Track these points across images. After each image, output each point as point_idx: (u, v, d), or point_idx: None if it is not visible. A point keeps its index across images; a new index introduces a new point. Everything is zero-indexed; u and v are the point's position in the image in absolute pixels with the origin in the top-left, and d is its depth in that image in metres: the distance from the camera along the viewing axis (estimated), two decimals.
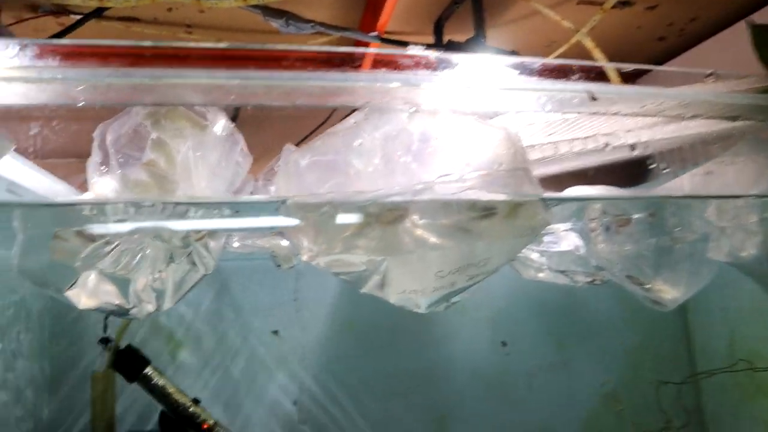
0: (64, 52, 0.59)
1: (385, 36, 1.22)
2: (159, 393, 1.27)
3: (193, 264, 0.75)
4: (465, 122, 0.67)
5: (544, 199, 0.67)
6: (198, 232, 0.75)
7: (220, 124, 0.71)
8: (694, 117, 0.75)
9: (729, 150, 0.83)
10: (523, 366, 1.70)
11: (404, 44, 1.27)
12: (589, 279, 1.11)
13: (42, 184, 0.75)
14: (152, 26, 1.23)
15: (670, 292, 0.93)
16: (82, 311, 0.75)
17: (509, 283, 1.61)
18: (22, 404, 1.24)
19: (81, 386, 1.39)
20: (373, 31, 1.19)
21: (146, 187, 0.67)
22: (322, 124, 1.18)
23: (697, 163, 0.83)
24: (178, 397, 1.28)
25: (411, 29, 1.32)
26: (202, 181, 0.68)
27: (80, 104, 0.59)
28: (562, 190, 0.80)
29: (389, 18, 1.17)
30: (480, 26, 1.17)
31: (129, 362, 1.27)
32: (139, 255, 0.74)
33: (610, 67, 0.83)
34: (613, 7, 1.19)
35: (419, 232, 0.67)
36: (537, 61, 0.71)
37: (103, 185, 0.69)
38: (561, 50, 1.28)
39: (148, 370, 1.27)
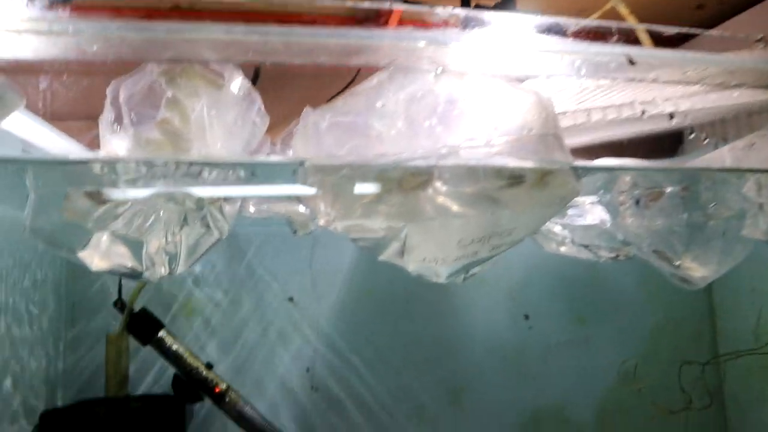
0: (75, 6, 0.57)
1: None
2: (172, 356, 1.27)
3: (208, 227, 0.74)
4: (494, 85, 0.63)
5: (575, 168, 0.64)
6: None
7: (237, 83, 0.68)
8: (738, 86, 0.71)
9: None
10: (542, 340, 1.67)
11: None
12: (612, 254, 1.07)
13: (54, 142, 0.74)
14: None
15: (699, 270, 0.89)
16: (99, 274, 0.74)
17: (529, 256, 1.57)
18: (37, 359, 1.25)
19: (98, 346, 1.40)
20: None
21: (160, 146, 0.65)
22: (343, 90, 1.14)
23: (740, 135, 0.79)
24: (191, 361, 1.27)
25: None
26: (217, 141, 0.65)
27: (93, 54, 0.56)
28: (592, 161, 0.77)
29: None
30: None
31: (143, 325, 1.27)
32: (153, 217, 0.72)
33: (647, 32, 0.79)
34: None
35: (442, 199, 0.64)
36: (573, 22, 0.67)
37: (115, 143, 0.67)
38: (595, 16, 1.23)
39: (162, 334, 1.27)
